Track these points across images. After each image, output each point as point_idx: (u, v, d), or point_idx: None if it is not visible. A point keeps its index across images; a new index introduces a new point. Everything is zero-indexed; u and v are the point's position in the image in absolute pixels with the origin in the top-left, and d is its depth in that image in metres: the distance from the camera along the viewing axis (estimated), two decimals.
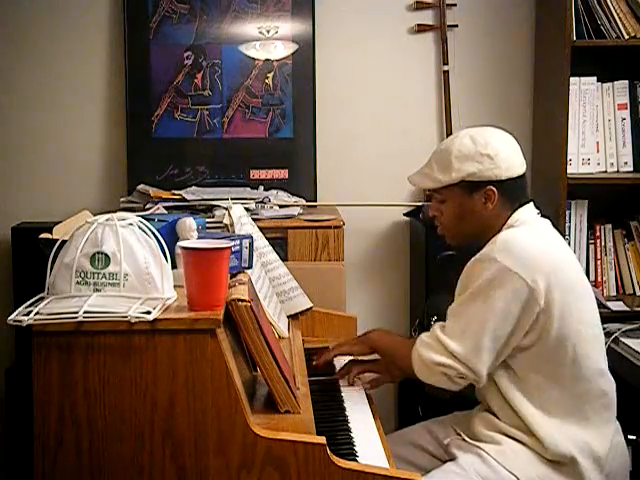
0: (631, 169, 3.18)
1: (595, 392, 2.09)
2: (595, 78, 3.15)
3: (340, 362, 2.38)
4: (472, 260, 2.09)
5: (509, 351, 2.05)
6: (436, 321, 2.95)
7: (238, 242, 2.09)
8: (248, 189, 3.21)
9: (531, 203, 2.17)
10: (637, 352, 2.71)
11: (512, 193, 2.13)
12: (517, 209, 2.14)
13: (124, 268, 1.65)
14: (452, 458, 2.14)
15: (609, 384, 2.14)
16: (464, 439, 2.17)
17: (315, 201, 3.27)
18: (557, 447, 2.03)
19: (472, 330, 2.02)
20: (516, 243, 2.05)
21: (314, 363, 2.31)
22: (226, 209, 2.46)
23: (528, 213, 2.15)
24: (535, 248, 2.06)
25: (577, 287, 2.12)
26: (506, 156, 2.11)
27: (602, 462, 2.07)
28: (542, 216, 2.20)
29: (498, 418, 2.12)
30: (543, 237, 2.14)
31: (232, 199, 2.77)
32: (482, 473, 2.06)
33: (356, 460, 1.80)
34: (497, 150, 2.10)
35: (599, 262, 3.22)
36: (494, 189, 2.10)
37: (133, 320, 1.59)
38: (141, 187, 3.15)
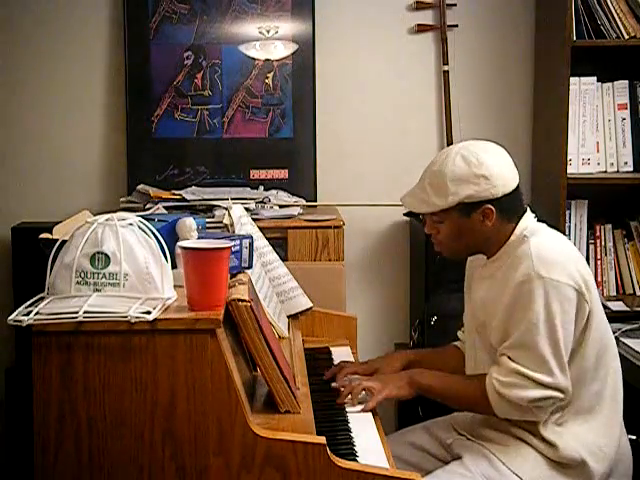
0: (631, 169, 3.18)
1: (607, 392, 2.10)
2: (595, 78, 3.15)
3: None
4: (516, 284, 2.02)
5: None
6: (436, 321, 2.99)
7: (238, 242, 2.09)
8: (248, 189, 3.21)
9: (528, 210, 2.16)
10: (637, 352, 2.71)
11: (509, 207, 2.10)
12: (520, 219, 2.11)
13: (124, 268, 1.65)
14: (455, 458, 2.14)
15: (619, 386, 2.15)
16: (468, 438, 2.17)
17: (315, 201, 3.27)
18: (568, 451, 2.03)
19: (550, 355, 1.99)
20: (550, 253, 2.04)
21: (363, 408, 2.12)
22: (226, 209, 2.45)
23: (531, 221, 2.14)
24: (565, 252, 2.08)
25: (594, 284, 2.13)
26: (500, 173, 2.07)
27: (610, 463, 2.08)
28: (538, 220, 2.19)
29: (506, 419, 2.11)
30: (561, 240, 2.15)
31: (232, 199, 2.77)
32: (487, 475, 2.05)
33: (356, 460, 1.80)
34: (491, 169, 2.05)
35: (599, 262, 3.22)
36: (492, 207, 2.07)
37: (133, 320, 1.59)
38: (141, 187, 3.15)
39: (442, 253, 2.20)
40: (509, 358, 2.02)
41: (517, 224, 2.11)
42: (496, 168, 2.07)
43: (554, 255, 2.04)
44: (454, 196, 2.05)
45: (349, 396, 2.10)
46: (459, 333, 2.36)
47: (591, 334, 2.06)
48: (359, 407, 2.09)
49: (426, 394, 2.18)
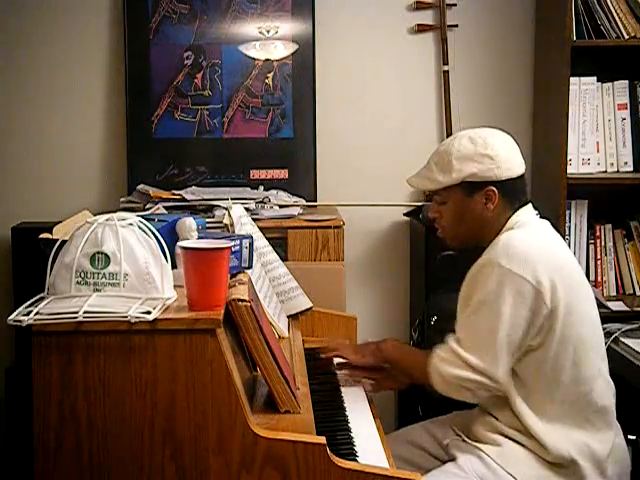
0: (631, 169, 3.18)
1: (595, 394, 2.09)
2: (595, 78, 3.15)
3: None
4: (475, 266, 2.08)
5: (520, 354, 2.05)
6: (436, 321, 2.99)
7: (238, 242, 2.09)
8: (248, 189, 3.21)
9: (530, 204, 2.17)
10: (637, 352, 2.71)
11: (512, 193, 2.13)
12: (517, 210, 2.13)
13: (124, 268, 1.65)
14: (451, 459, 2.14)
15: (609, 387, 2.14)
16: (464, 440, 2.17)
17: (315, 201, 3.27)
18: (558, 449, 2.04)
19: (486, 340, 2.01)
20: (517, 245, 2.04)
21: (322, 356, 2.34)
22: (226, 209, 2.46)
23: (527, 214, 2.15)
24: (537, 249, 2.06)
25: (580, 288, 2.12)
26: (506, 156, 2.11)
27: (603, 464, 2.07)
28: (541, 217, 2.20)
29: (498, 420, 2.12)
30: (544, 238, 2.14)
31: (232, 199, 2.77)
32: (481, 474, 2.06)
33: (356, 460, 1.80)
34: (497, 150, 2.10)
35: (599, 262, 3.22)
36: (494, 189, 2.10)
37: (133, 320, 1.59)
38: (141, 187, 3.15)
39: (445, 240, 2.23)
40: (455, 337, 2.08)
41: (514, 213, 2.12)
42: (502, 151, 2.11)
43: (523, 248, 2.03)
44: (458, 173, 2.09)
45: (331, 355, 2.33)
46: None
47: (555, 334, 2.03)
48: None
49: (390, 363, 2.29)
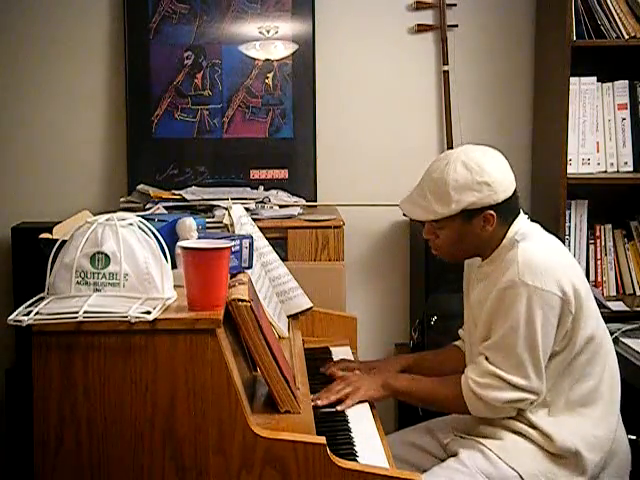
0: (631, 169, 3.18)
1: (602, 388, 2.12)
2: (595, 78, 3.15)
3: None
4: (499, 289, 2.05)
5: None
6: (436, 321, 2.99)
7: (238, 242, 2.09)
8: (248, 189, 3.21)
9: (521, 212, 2.17)
10: (637, 352, 2.71)
11: (508, 211, 2.12)
12: (512, 223, 2.13)
13: (124, 268, 1.65)
14: (453, 455, 2.14)
15: (614, 377, 2.16)
16: (464, 437, 2.17)
17: (315, 201, 3.27)
18: (564, 442, 2.05)
19: (527, 359, 2.02)
20: (536, 260, 2.04)
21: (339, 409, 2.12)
22: (226, 209, 2.45)
23: (523, 224, 2.15)
24: (553, 258, 2.08)
25: (587, 285, 2.14)
26: (501, 179, 2.08)
27: (605, 456, 2.10)
28: (532, 220, 2.20)
29: None
30: (550, 245, 2.15)
31: (232, 199, 2.76)
32: (483, 469, 2.07)
33: (356, 460, 1.80)
34: (493, 175, 2.07)
35: (599, 262, 3.22)
36: (493, 213, 2.08)
37: (133, 320, 1.59)
38: (141, 187, 3.15)
39: (440, 257, 2.21)
40: (486, 359, 2.06)
41: (511, 225, 2.12)
42: (497, 174, 2.08)
43: (540, 262, 2.04)
44: (457, 204, 2.06)
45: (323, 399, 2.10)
46: (460, 331, 2.37)
47: (578, 336, 2.07)
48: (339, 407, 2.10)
49: (401, 397, 2.23)
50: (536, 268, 2.02)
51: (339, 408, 2.07)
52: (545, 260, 2.05)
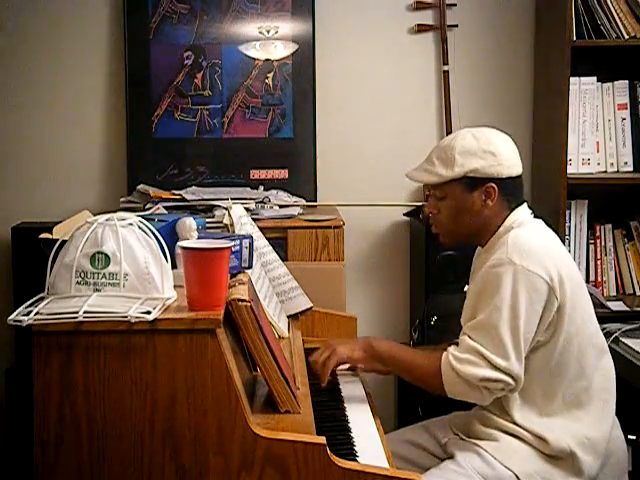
0: (631, 169, 3.18)
1: (594, 388, 2.11)
2: (595, 78, 3.15)
3: None
4: (486, 267, 2.06)
5: (529, 350, 2.06)
6: (436, 321, 2.99)
7: (238, 242, 2.09)
8: (248, 189, 3.21)
9: (525, 204, 2.19)
10: (637, 352, 2.71)
11: (511, 192, 2.14)
12: (513, 210, 2.15)
13: (124, 268, 1.65)
14: (450, 457, 2.14)
15: (608, 380, 2.16)
16: (462, 438, 2.18)
17: (315, 201, 3.27)
18: (558, 443, 2.05)
19: (509, 340, 2.00)
20: (527, 243, 2.06)
21: (323, 385, 2.19)
22: (226, 209, 2.46)
23: (524, 214, 2.17)
24: (544, 245, 2.09)
25: (580, 284, 2.14)
26: (507, 154, 2.13)
27: (600, 456, 2.09)
28: (535, 217, 2.21)
29: (495, 415, 2.13)
30: (545, 236, 2.16)
31: (232, 199, 2.77)
32: (480, 470, 2.07)
33: (356, 460, 1.80)
34: (499, 148, 2.12)
35: (599, 262, 3.22)
36: (495, 186, 2.11)
37: (133, 320, 1.59)
38: (141, 187, 3.15)
39: (440, 237, 2.23)
40: (469, 337, 2.05)
41: (511, 212, 2.14)
42: (504, 149, 2.13)
43: (531, 246, 2.05)
44: (460, 167, 2.10)
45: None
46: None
47: (563, 329, 2.06)
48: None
49: (380, 362, 2.20)
50: (525, 250, 2.03)
51: (323, 385, 2.13)
52: (536, 245, 2.06)
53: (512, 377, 2.02)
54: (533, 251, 2.04)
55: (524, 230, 2.11)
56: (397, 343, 2.27)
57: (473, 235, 2.18)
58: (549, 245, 2.12)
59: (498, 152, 2.11)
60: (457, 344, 2.34)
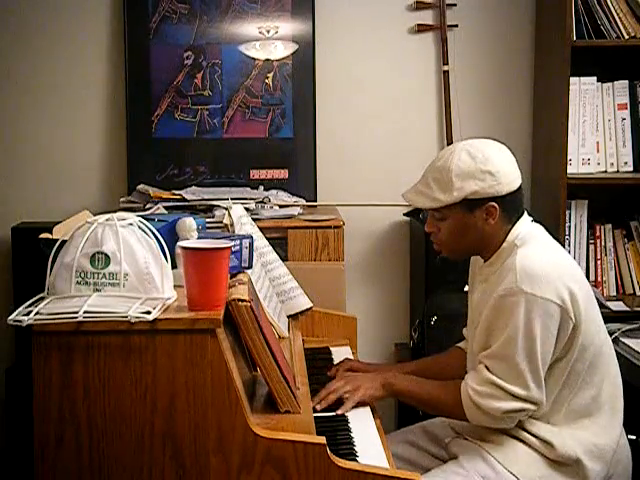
0: (631, 169, 3.18)
1: (602, 397, 2.10)
2: (595, 78, 3.15)
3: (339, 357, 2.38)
4: (497, 297, 2.02)
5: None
6: (436, 321, 2.99)
7: (238, 242, 2.09)
8: (248, 189, 3.21)
9: (525, 214, 2.15)
10: (637, 352, 2.71)
11: (512, 206, 2.09)
12: (515, 223, 2.10)
13: (124, 268, 1.65)
14: (453, 457, 2.14)
15: (616, 388, 2.14)
16: (465, 438, 2.17)
17: (315, 201, 3.27)
18: (564, 449, 2.04)
19: (526, 369, 1.99)
20: (534, 266, 2.01)
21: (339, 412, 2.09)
22: (226, 209, 2.45)
23: (526, 227, 2.12)
24: (552, 265, 2.04)
25: (589, 293, 2.11)
26: (506, 170, 2.06)
27: (607, 464, 2.08)
28: (534, 220, 2.18)
29: None
30: (551, 250, 2.12)
31: (232, 199, 2.77)
32: (483, 473, 2.06)
33: (356, 460, 1.80)
34: (497, 165, 2.04)
35: (599, 262, 3.22)
36: (496, 205, 2.05)
37: (133, 320, 1.59)
38: (141, 187, 3.15)
39: (441, 252, 2.19)
40: (486, 367, 2.03)
41: (513, 226, 2.10)
42: (502, 165, 2.05)
43: (539, 269, 2.00)
44: (459, 192, 2.03)
45: (321, 401, 2.09)
46: (464, 330, 2.35)
47: (578, 343, 2.04)
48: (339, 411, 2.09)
49: (401, 398, 2.21)
50: (534, 276, 1.99)
51: (339, 412, 2.06)
52: (543, 267, 2.01)
53: (533, 403, 2.01)
54: (542, 275, 1.99)
55: (529, 249, 2.06)
56: (415, 378, 2.22)
57: (476, 250, 2.16)
58: (555, 261, 2.07)
59: (496, 170, 2.03)
60: (461, 348, 2.35)
